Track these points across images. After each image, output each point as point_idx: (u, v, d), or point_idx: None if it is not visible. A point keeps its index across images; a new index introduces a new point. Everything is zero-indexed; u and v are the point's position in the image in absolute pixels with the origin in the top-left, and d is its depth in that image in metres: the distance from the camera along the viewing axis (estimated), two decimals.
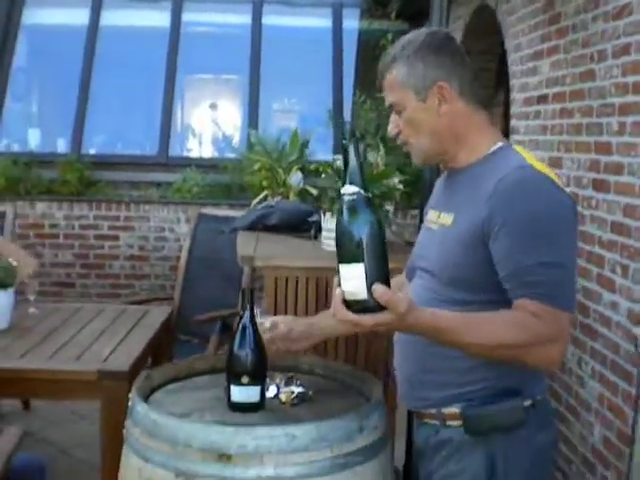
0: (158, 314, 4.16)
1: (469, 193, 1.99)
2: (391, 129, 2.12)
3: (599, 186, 3.31)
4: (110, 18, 7.89)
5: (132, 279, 6.84)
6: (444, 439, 2.07)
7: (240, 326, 2.22)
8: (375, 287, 1.73)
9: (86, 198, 6.83)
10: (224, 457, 1.98)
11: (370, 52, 6.78)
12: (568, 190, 2.23)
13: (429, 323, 1.82)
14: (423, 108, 2.03)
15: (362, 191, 1.80)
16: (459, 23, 5.70)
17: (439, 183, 2.27)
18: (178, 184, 6.84)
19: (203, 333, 4.64)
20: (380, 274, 1.75)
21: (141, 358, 3.44)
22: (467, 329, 1.84)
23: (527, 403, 1.98)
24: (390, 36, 6.10)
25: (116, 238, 6.86)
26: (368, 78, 6.86)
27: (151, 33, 8.09)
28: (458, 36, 5.69)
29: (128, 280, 6.83)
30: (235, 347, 2.21)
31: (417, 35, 2.08)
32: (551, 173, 1.96)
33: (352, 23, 8.05)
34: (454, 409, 2.02)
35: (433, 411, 2.08)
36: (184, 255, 5.29)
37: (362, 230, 1.77)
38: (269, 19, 8.00)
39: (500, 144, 2.05)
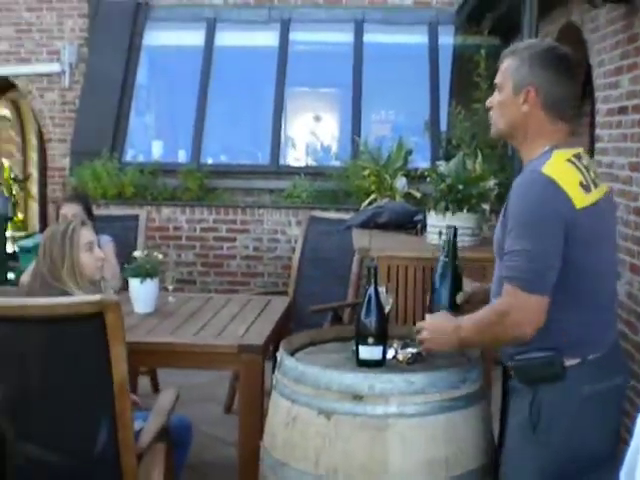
0: (280, 303, 4.67)
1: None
2: (488, 102, 2.61)
3: None
4: (223, 39, 8.57)
5: (248, 277, 7.46)
6: (511, 386, 2.57)
7: (366, 297, 2.77)
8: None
9: (206, 203, 7.49)
10: (357, 397, 2.53)
11: (464, 66, 7.25)
12: None
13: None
14: (512, 99, 2.50)
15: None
16: (547, 40, 6.07)
17: None
18: (289, 190, 7.44)
19: (315, 324, 5.07)
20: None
21: (270, 337, 3.93)
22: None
23: (574, 362, 2.40)
24: (483, 52, 6.53)
25: (233, 240, 7.49)
26: (463, 91, 7.37)
27: (261, 52, 8.74)
28: None
29: (244, 278, 7.45)
30: (362, 314, 2.75)
31: (541, 43, 2.57)
32: (561, 177, 2.35)
33: (447, 39, 8.51)
34: (510, 363, 2.52)
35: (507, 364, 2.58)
36: (297, 254, 5.77)
37: None
38: (369, 37, 8.54)
39: (546, 147, 2.47)
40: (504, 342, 2.49)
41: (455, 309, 2.71)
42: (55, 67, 9.04)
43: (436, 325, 2.58)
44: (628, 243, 4.21)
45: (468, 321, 2.51)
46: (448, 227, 2.84)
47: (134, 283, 4.15)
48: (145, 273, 4.17)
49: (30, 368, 2.86)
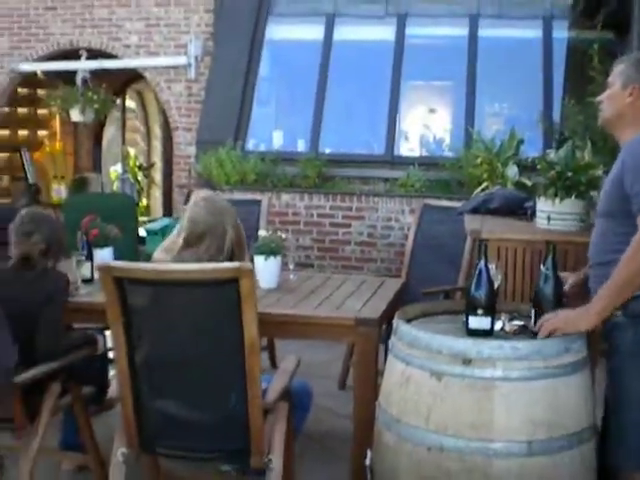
0: (393, 284, 4.88)
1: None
2: (599, 97, 3.18)
3: None
4: (342, 33, 8.86)
5: (361, 262, 7.74)
6: (614, 322, 2.90)
7: (477, 270, 3.01)
8: None
9: (323, 191, 7.81)
10: (466, 361, 2.77)
11: (578, 60, 7.33)
12: None
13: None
14: (619, 93, 3.06)
15: None
16: None
17: None
18: (403, 180, 7.68)
19: None
20: None
21: (385, 312, 4.17)
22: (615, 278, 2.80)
23: None
24: (596, 46, 6.61)
25: (348, 226, 7.79)
26: (576, 84, 7.45)
27: (377, 46, 9.00)
28: None
29: (358, 263, 7.74)
30: (473, 286, 3.00)
31: None
32: None
33: (561, 33, 8.61)
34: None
35: None
36: (410, 240, 5.96)
37: None
38: (484, 31, 8.70)
39: None
40: None
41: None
42: (182, 60, 9.52)
43: (564, 313, 2.91)
44: None
45: (601, 291, 2.85)
46: (548, 242, 3.08)
47: (259, 260, 4.42)
48: (269, 251, 4.48)
49: (170, 328, 3.19)
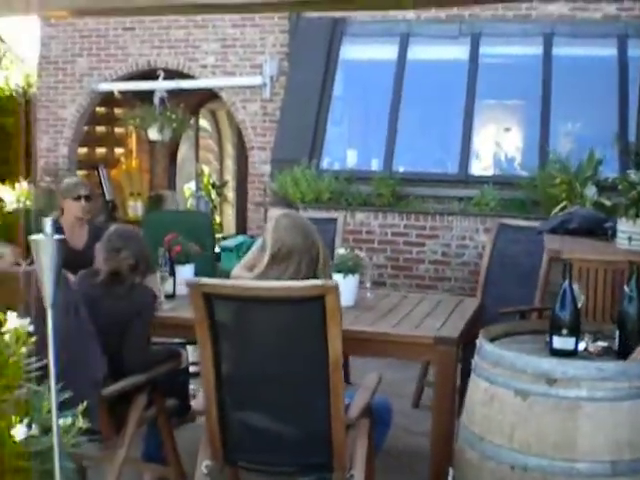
0: (470, 303, 4.91)
1: None
2: None
3: None
4: (415, 53, 8.92)
5: (435, 281, 7.75)
6: None
7: (561, 290, 3.03)
8: None
9: (397, 209, 7.85)
10: (551, 381, 2.79)
11: None
12: None
13: None
14: None
15: None
16: None
17: None
18: (477, 199, 7.68)
19: None
20: None
21: (464, 332, 4.18)
22: None
23: None
24: None
25: (422, 245, 7.80)
26: None
27: (451, 65, 9.03)
28: None
29: (432, 281, 7.75)
30: (557, 307, 3.02)
31: None
32: None
33: (636, 52, 8.47)
34: None
35: None
36: (485, 259, 5.94)
37: None
38: (558, 50, 8.64)
39: None
40: None
41: None
42: (257, 80, 9.67)
43: None
44: None
45: None
46: (631, 263, 3.08)
47: (337, 278, 4.47)
48: (348, 269, 4.54)
49: (256, 344, 3.27)
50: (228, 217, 14.25)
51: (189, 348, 4.78)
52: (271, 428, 3.32)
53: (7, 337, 2.46)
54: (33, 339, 2.47)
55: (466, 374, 4.25)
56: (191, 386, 4.74)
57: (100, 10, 6.04)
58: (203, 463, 3.40)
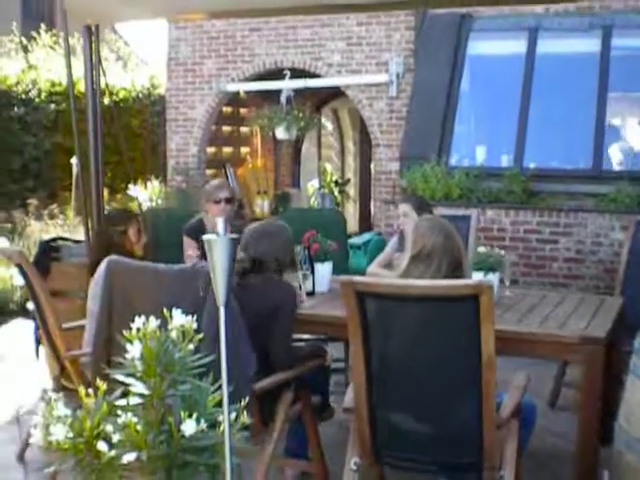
0: (614, 302, 4.82)
1: None
2: None
3: None
4: (545, 47, 8.76)
5: (569, 279, 7.60)
6: None
7: None
8: None
9: (530, 206, 7.74)
10: None
11: None
12: None
13: None
14: None
15: None
16: None
17: None
18: (612, 195, 7.49)
19: None
20: None
21: (610, 331, 4.06)
22: None
23: None
24: None
25: (556, 242, 7.67)
26: None
27: (582, 58, 8.83)
28: None
29: (566, 280, 7.60)
30: None
31: None
32: None
33: None
34: None
35: None
36: (623, 257, 5.77)
37: None
38: None
39: None
40: None
41: None
42: (383, 77, 9.69)
43: None
44: None
45: None
46: None
47: (478, 276, 4.46)
48: (488, 267, 4.51)
49: (407, 342, 3.28)
50: (350, 214, 14.33)
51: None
52: (420, 427, 3.34)
53: (173, 334, 2.53)
54: (200, 336, 2.54)
55: (611, 375, 4.18)
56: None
57: (234, 12, 6.18)
58: (352, 460, 3.42)
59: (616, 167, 8.41)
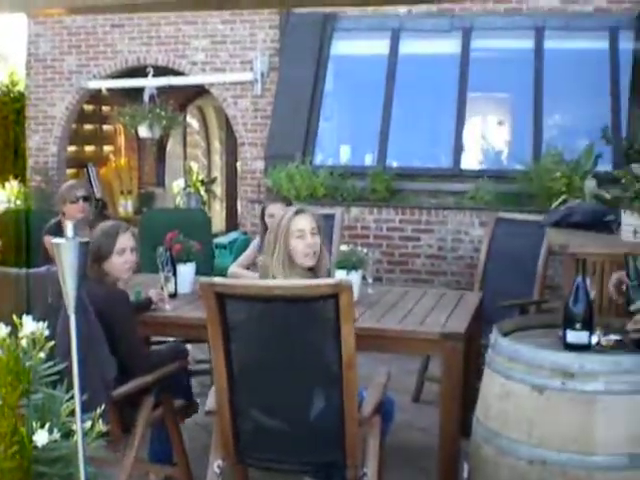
0: (473, 297, 4.92)
1: None
2: None
3: None
4: (407, 47, 8.92)
5: (431, 275, 7.76)
6: None
7: (575, 285, 3.03)
8: None
9: (392, 204, 7.85)
10: (568, 375, 2.79)
11: None
12: None
13: None
14: None
15: None
16: None
17: None
18: (471, 192, 7.69)
19: (500, 320, 5.33)
20: None
21: (469, 326, 4.16)
22: None
23: None
24: None
25: (418, 239, 7.81)
26: None
27: (442, 59, 9.04)
28: None
29: (428, 276, 7.76)
30: (571, 301, 3.02)
31: None
32: None
33: (627, 45, 8.52)
34: None
35: None
36: (483, 253, 5.92)
37: None
38: (550, 43, 8.67)
39: None
40: None
41: None
42: (248, 76, 9.65)
43: None
44: None
45: None
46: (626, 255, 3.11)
47: (340, 274, 4.47)
48: (351, 265, 4.54)
49: (267, 343, 3.25)
50: (216, 213, 14.23)
51: (188, 347, 4.76)
52: (283, 427, 3.32)
53: (24, 342, 2.44)
54: (51, 343, 2.45)
55: (472, 369, 4.28)
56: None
57: (92, 7, 6.02)
58: (215, 463, 3.38)
59: (476, 166, 8.64)
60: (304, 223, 3.74)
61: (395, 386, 5.64)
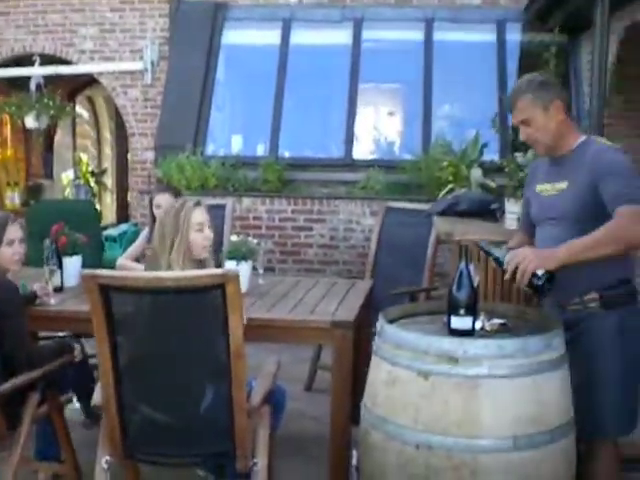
0: (363, 285, 4.98)
1: (574, 167, 3.23)
2: (523, 137, 3.34)
3: None
4: (298, 37, 8.93)
5: (324, 264, 7.80)
6: (589, 312, 3.20)
7: (458, 272, 3.08)
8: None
9: (284, 195, 7.86)
10: (452, 360, 2.84)
11: (532, 63, 7.46)
12: None
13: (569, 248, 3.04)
14: (547, 118, 3.24)
15: None
16: (613, 37, 6.20)
17: (539, 167, 3.51)
18: (363, 182, 7.76)
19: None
20: None
21: (359, 315, 4.20)
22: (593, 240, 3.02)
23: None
24: (554, 49, 6.75)
25: (310, 229, 7.85)
26: None
27: (334, 50, 9.08)
28: (613, 48, 6.24)
29: (320, 265, 7.80)
30: (454, 287, 3.06)
31: (533, 76, 3.35)
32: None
33: (515, 37, 8.78)
34: (594, 294, 3.18)
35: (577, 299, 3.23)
36: (373, 242, 5.97)
37: None
38: (439, 35, 8.83)
39: (584, 138, 3.31)
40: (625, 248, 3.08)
41: None
42: (138, 65, 9.50)
43: (532, 250, 3.14)
44: None
45: (570, 241, 3.08)
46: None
47: (230, 265, 4.45)
48: (241, 256, 4.51)
49: (155, 335, 3.20)
50: (107, 205, 13.99)
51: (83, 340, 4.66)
52: (173, 420, 3.27)
53: None
54: None
55: (363, 356, 4.31)
56: None
57: None
58: (103, 459, 3.32)
59: (367, 156, 8.71)
60: (203, 216, 3.83)
61: (288, 375, 5.67)
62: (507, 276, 3.10)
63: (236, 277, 3.01)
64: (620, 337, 3.18)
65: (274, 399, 3.67)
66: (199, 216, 3.80)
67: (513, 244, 3.49)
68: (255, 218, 7.86)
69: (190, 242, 3.73)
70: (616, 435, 3.29)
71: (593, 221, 3.10)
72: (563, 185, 3.29)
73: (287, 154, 8.45)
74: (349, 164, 8.18)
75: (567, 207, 3.24)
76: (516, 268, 3.04)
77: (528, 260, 3.02)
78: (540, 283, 3.04)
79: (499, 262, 3.22)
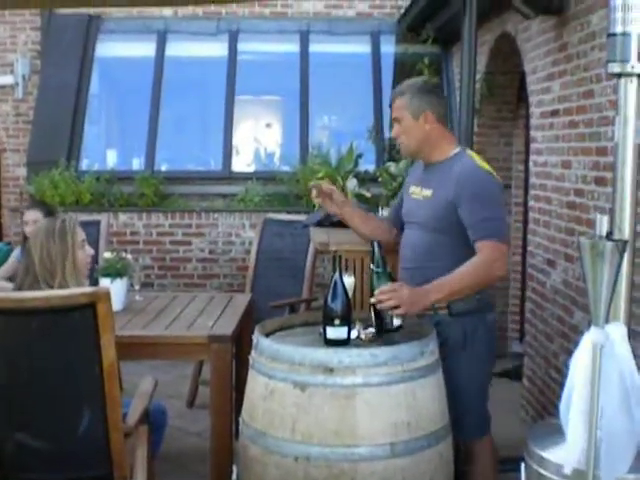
0: (242, 298, 4.95)
1: (441, 178, 3.30)
2: (394, 133, 3.43)
3: (599, 181, 4.13)
4: (173, 50, 8.84)
5: (203, 279, 7.73)
6: (439, 319, 3.29)
7: (332, 282, 3.09)
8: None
9: (162, 209, 7.75)
10: (328, 370, 2.84)
11: (406, 74, 7.60)
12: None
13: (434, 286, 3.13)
14: (414, 125, 3.32)
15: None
16: (484, 47, 6.41)
17: (417, 168, 3.60)
18: (241, 195, 7.74)
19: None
20: None
21: (237, 328, 4.18)
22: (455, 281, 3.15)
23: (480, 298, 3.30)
24: (427, 60, 6.90)
25: (189, 243, 7.76)
26: None
27: (210, 62, 9.05)
28: (484, 59, 6.43)
29: (200, 280, 7.72)
30: (329, 298, 3.08)
31: (418, 80, 3.52)
32: (487, 166, 3.31)
33: (389, 48, 8.92)
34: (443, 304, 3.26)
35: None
36: (253, 254, 5.96)
37: None
38: (314, 47, 8.89)
39: (457, 150, 3.38)
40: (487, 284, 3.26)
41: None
42: (8, 79, 9.21)
43: (407, 291, 3.10)
44: (562, 234, 4.60)
45: (442, 281, 3.14)
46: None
47: (105, 282, 4.35)
48: (116, 273, 4.42)
49: (26, 358, 3.11)
50: None
51: None
52: (46, 445, 3.19)
53: None
54: None
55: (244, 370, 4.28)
56: None
57: None
58: None
59: (246, 168, 8.70)
60: (82, 232, 3.80)
61: (171, 392, 5.65)
62: (372, 300, 3.12)
63: (107, 295, 2.95)
64: (464, 342, 3.31)
65: (152, 418, 3.62)
66: (82, 233, 3.78)
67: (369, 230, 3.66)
68: (132, 233, 7.73)
69: (79, 260, 3.67)
70: (472, 437, 3.41)
71: (448, 234, 3.26)
72: (428, 193, 3.37)
73: (164, 168, 8.36)
74: (227, 177, 8.14)
75: (427, 215, 3.33)
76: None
77: (400, 303, 3.05)
78: (391, 327, 3.14)
79: (373, 287, 3.21)
